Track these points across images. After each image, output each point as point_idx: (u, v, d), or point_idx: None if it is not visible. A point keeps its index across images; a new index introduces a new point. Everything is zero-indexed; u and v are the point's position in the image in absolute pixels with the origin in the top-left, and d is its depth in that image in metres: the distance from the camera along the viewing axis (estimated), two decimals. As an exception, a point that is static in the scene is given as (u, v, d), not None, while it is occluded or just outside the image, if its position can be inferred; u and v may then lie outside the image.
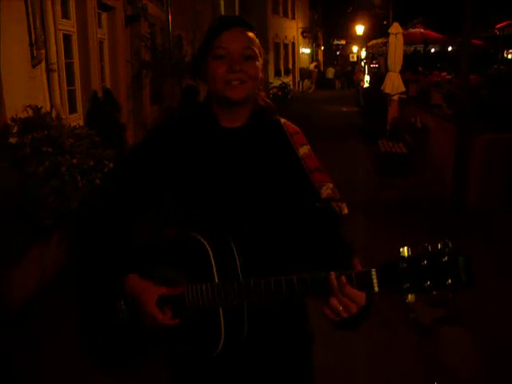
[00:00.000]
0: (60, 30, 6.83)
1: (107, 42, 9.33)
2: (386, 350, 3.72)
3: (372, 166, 9.89)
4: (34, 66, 5.81)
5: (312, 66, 37.64)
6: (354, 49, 45.69)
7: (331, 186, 1.60)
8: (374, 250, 5.05)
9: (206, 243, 1.52)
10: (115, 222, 1.65)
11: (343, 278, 1.37)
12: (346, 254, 1.52)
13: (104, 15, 9.22)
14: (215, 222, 1.58)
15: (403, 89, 10.89)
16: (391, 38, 10.81)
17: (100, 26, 8.88)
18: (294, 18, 32.73)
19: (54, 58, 6.22)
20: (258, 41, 1.64)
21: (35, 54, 5.79)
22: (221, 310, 1.52)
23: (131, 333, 1.65)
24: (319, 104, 24.23)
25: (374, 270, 1.35)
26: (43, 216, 4.07)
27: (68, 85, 7.28)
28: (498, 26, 17.71)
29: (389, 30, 11.05)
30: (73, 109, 7.53)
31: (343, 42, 51.92)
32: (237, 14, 23.10)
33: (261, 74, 1.66)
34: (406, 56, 16.04)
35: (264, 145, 1.66)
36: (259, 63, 1.63)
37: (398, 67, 10.77)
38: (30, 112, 5.31)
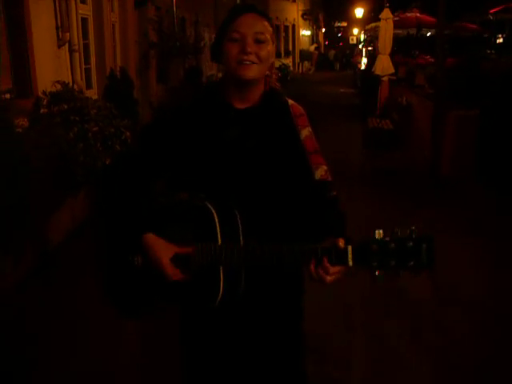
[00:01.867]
0: (79, 14, 7.64)
1: (118, 25, 10.10)
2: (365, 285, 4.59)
3: (362, 141, 10.73)
4: (59, 47, 6.64)
5: (312, 48, 38.27)
6: (355, 31, 46.18)
7: (325, 168, 1.78)
8: (359, 210, 5.94)
9: (213, 209, 1.70)
10: (138, 180, 1.83)
11: (324, 259, 1.59)
12: (335, 226, 1.73)
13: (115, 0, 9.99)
14: (222, 191, 1.76)
15: (392, 70, 11.67)
16: (382, 23, 11.58)
17: (112, 9, 9.66)
18: (294, 0, 33.29)
19: (75, 40, 7.03)
20: (270, 28, 1.78)
21: (61, 37, 6.61)
22: (221, 269, 1.71)
23: (144, 281, 1.85)
24: (318, 85, 24.94)
25: (350, 247, 1.57)
26: (76, 172, 4.92)
27: (85, 63, 8.11)
28: (491, 11, 18.35)
29: (380, 16, 11.81)
30: (89, 85, 8.34)
31: (344, 24, 52.32)
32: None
33: (272, 59, 1.81)
34: (400, 39, 16.80)
35: (270, 125, 1.82)
36: (270, 48, 1.77)
37: (388, 50, 11.54)
38: (58, 87, 6.13)
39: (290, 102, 1.87)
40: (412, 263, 1.49)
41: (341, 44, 49.80)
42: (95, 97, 7.97)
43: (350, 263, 1.56)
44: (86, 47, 8.32)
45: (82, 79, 7.45)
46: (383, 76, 11.86)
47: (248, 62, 1.71)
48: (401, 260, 1.50)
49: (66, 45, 6.85)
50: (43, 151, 4.93)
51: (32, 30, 5.89)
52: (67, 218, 5.28)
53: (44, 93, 5.97)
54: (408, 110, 9.85)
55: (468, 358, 3.55)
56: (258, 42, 1.73)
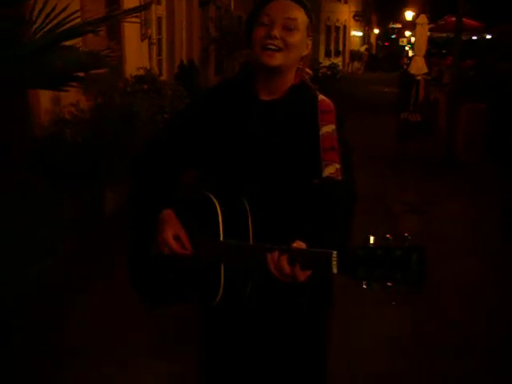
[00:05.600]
0: (157, 13, 9.32)
1: (185, 23, 11.76)
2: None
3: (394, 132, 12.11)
4: (142, 40, 8.32)
5: (363, 49, 39.32)
6: (407, 33, 46.80)
7: (338, 166, 1.62)
8: (379, 184, 7.27)
9: (216, 203, 1.65)
10: (162, 166, 1.85)
11: (282, 258, 1.49)
12: (328, 234, 1.56)
13: (183, 1, 11.64)
14: (236, 184, 1.72)
15: (426, 70, 12.90)
16: (418, 28, 12.83)
17: (180, 9, 11.32)
18: (346, 1, 34.43)
19: (153, 35, 8.71)
20: (306, 18, 1.69)
21: (143, 32, 8.29)
22: (222, 267, 1.64)
23: (159, 268, 1.84)
24: (365, 84, 26.06)
25: (335, 252, 1.39)
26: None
27: (158, 54, 9.81)
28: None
29: (416, 21, 13.07)
30: (160, 73, 10.01)
31: (399, 25, 52.85)
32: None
33: (305, 51, 1.73)
34: (441, 42, 17.95)
35: (291, 119, 1.73)
36: (301, 37, 1.68)
37: (423, 52, 12.79)
38: (141, 71, 7.78)
39: (321, 97, 1.76)
40: (399, 275, 1.31)
41: (386, 44, 50.50)
42: (165, 82, 9.64)
43: (334, 270, 1.40)
44: (160, 41, 10.01)
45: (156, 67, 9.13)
46: (418, 75, 13.12)
47: (272, 47, 1.63)
48: (387, 270, 1.32)
49: (147, 39, 8.52)
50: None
51: (124, 26, 7.55)
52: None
53: (131, 76, 7.64)
54: (435, 105, 11.16)
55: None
56: (288, 28, 1.65)
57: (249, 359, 1.86)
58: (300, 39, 1.68)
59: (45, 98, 5.49)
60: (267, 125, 1.73)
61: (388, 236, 1.35)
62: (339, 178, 1.62)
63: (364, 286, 1.36)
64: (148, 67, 8.39)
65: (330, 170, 1.62)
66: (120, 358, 3.37)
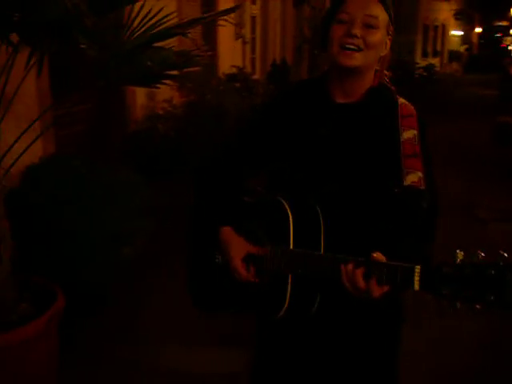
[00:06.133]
0: (251, 13, 9.51)
1: (279, 22, 11.89)
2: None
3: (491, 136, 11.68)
4: (236, 39, 8.52)
5: (462, 49, 37.90)
6: (512, 32, 44.62)
7: (420, 175, 1.53)
8: (475, 194, 7.09)
9: (288, 208, 1.59)
10: (230, 174, 1.80)
11: (357, 271, 1.42)
12: (408, 247, 1.49)
13: (278, 0, 11.76)
14: (305, 189, 1.65)
15: (529, 71, 12.37)
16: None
17: (275, 9, 11.46)
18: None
19: (247, 34, 8.89)
20: (385, 14, 1.59)
21: (237, 32, 8.48)
22: (290, 278, 1.57)
23: (221, 278, 1.79)
24: (463, 86, 25.05)
25: (418, 267, 1.32)
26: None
27: (251, 53, 10.00)
28: None
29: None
30: (253, 71, 10.19)
31: (505, 23, 50.55)
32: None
33: (384, 52, 1.63)
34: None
35: (369, 123, 1.65)
36: (382, 36, 1.59)
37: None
38: (233, 70, 7.98)
39: (401, 100, 1.67)
40: (493, 298, 1.20)
41: (499, 42, 48.25)
42: (258, 81, 9.81)
43: (416, 287, 1.32)
44: (253, 40, 10.19)
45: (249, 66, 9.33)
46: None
47: (352, 47, 1.55)
48: (478, 291, 1.22)
49: (241, 38, 8.72)
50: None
51: (218, 27, 7.77)
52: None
53: (223, 74, 7.85)
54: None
55: None
56: (368, 26, 1.56)
57: (311, 375, 1.77)
58: (380, 38, 1.59)
59: (141, 94, 5.78)
60: (342, 129, 1.66)
61: (479, 252, 1.25)
62: (422, 187, 1.52)
63: (448, 307, 1.27)
64: (241, 66, 8.59)
65: (413, 178, 1.52)
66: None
